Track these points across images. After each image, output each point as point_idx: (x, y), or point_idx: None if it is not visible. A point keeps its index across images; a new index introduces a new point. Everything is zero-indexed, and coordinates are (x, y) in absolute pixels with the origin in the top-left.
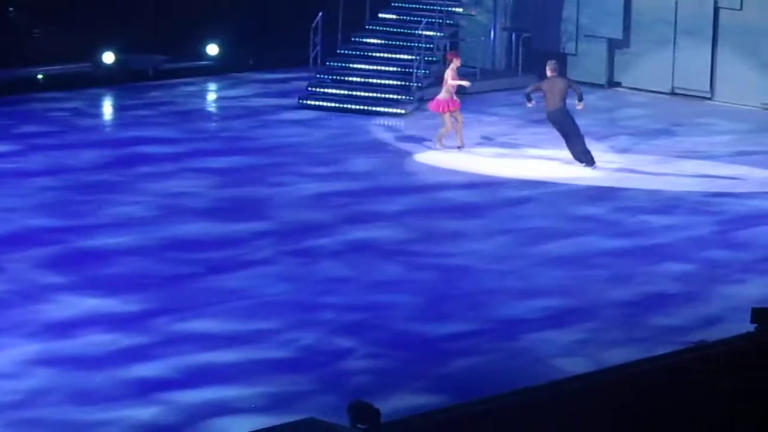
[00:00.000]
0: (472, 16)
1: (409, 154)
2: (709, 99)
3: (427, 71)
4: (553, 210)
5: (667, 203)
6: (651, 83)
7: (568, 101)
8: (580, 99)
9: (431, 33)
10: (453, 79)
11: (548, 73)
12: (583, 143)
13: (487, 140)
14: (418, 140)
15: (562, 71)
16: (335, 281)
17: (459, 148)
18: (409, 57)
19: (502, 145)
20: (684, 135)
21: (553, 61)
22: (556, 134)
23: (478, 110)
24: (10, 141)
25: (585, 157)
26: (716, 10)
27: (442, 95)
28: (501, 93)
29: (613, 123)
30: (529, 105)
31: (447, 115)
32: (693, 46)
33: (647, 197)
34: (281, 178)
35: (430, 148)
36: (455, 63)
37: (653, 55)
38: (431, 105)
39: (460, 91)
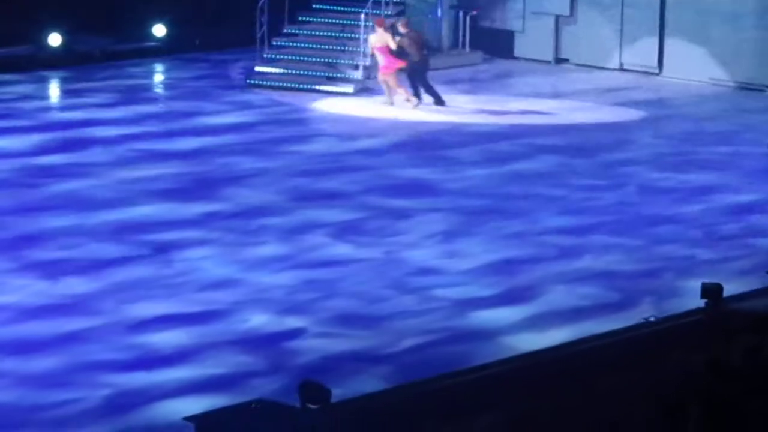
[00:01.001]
0: None
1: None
2: (658, 75)
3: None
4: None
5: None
6: (599, 60)
7: None
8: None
9: (377, 12)
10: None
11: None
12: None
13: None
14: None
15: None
16: (284, 260)
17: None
18: (356, 36)
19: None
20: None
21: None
22: None
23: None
24: None
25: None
26: None
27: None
28: (446, 71)
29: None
30: None
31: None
32: (641, 21)
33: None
34: (229, 158)
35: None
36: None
37: (600, 32)
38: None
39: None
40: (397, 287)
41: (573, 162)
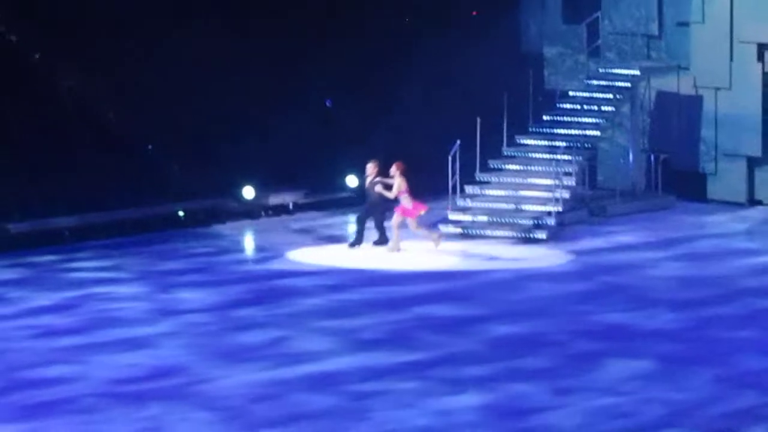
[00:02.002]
0: (610, 139)
1: None
2: None
3: (567, 195)
4: None
5: None
6: None
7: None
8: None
9: (569, 157)
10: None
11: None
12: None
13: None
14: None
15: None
16: (485, 409)
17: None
18: (549, 181)
19: None
20: None
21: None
22: None
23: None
24: (153, 279)
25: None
26: None
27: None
28: (641, 215)
29: None
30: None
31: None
32: None
33: None
34: (426, 308)
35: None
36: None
37: None
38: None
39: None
40: None
41: None
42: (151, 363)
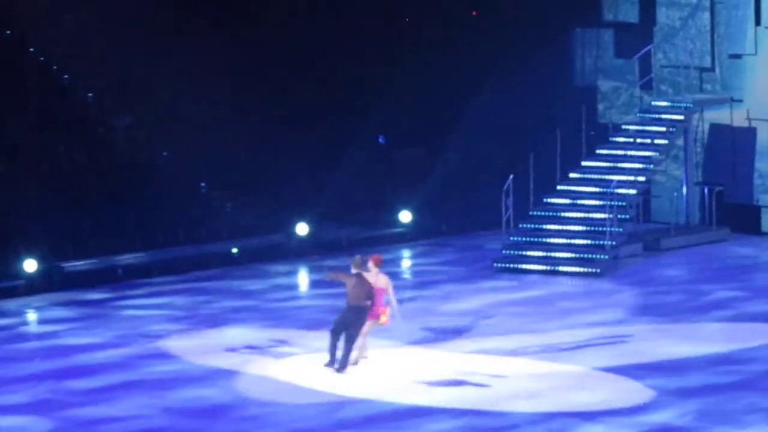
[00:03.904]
0: (664, 172)
1: None
2: None
3: (621, 229)
4: None
5: None
6: None
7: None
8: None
9: (624, 191)
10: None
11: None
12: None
13: None
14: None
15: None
16: None
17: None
18: (602, 216)
19: None
20: None
21: (359, 257)
22: None
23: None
24: (207, 317)
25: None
26: None
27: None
28: (696, 248)
29: None
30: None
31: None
32: None
33: None
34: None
35: None
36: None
37: None
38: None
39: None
40: None
41: None
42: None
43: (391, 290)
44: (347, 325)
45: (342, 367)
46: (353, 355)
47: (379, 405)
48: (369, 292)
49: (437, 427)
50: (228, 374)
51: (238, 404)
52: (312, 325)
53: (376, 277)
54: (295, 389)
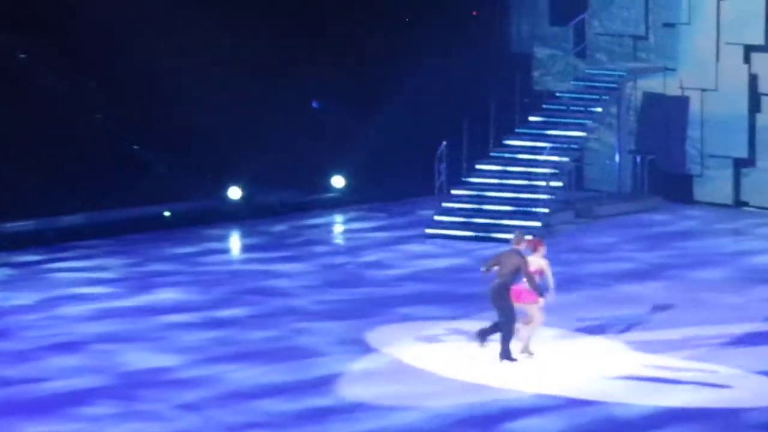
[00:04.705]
0: (597, 140)
1: None
2: None
3: (553, 196)
4: None
5: None
6: None
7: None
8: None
9: (556, 158)
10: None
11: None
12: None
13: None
14: None
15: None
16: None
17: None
18: (535, 183)
19: None
20: None
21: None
22: None
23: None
24: (138, 280)
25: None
26: None
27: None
28: (627, 216)
29: None
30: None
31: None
32: None
33: None
34: (409, 309)
35: None
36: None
37: None
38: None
39: None
40: None
41: None
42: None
43: (549, 273)
44: (495, 307)
45: (502, 356)
46: (524, 334)
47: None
48: (514, 272)
49: None
50: (160, 335)
51: (173, 367)
52: (245, 289)
53: (536, 260)
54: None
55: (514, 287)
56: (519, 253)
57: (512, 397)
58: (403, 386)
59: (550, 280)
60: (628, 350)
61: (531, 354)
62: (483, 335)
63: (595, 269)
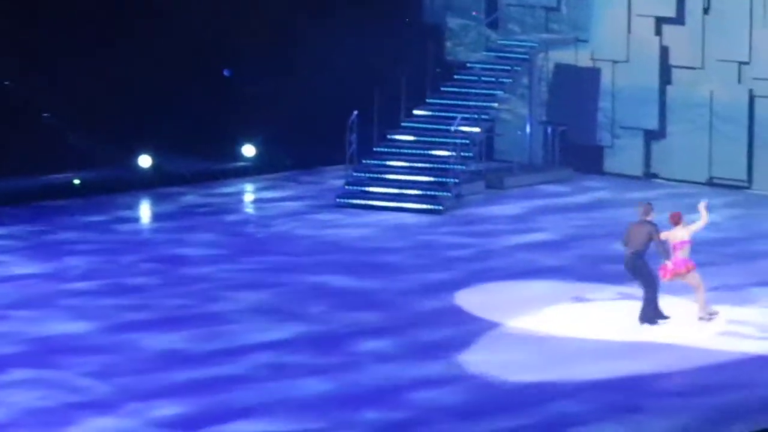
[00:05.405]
0: (509, 111)
1: None
2: (747, 188)
3: (464, 167)
4: None
5: None
6: (688, 173)
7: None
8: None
9: (467, 128)
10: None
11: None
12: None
13: None
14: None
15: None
16: (378, 380)
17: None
18: (446, 153)
19: None
20: None
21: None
22: None
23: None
24: (47, 247)
25: (652, 314)
26: (751, 98)
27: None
28: (538, 187)
29: None
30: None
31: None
32: (730, 134)
33: None
34: (320, 277)
35: None
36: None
37: (690, 145)
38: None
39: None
40: None
41: None
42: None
43: (695, 227)
44: (634, 277)
45: (642, 318)
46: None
47: None
48: (646, 242)
49: None
50: (70, 303)
51: (83, 334)
52: (155, 257)
53: (677, 231)
54: None
55: (667, 263)
56: (649, 223)
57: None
58: (312, 354)
59: (694, 227)
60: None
61: (714, 314)
62: (650, 317)
63: (508, 241)
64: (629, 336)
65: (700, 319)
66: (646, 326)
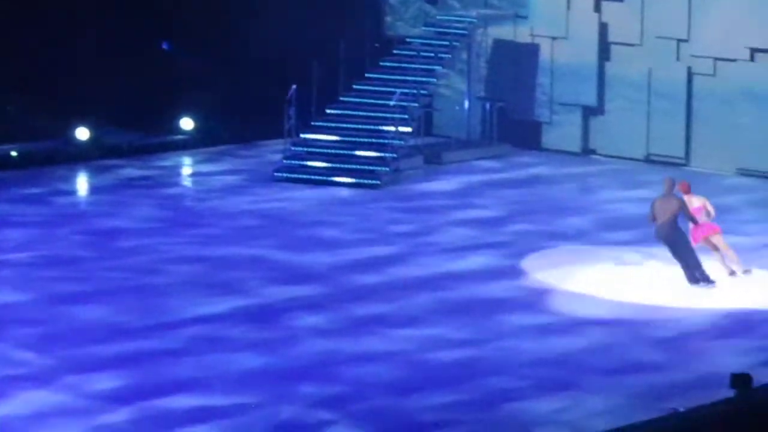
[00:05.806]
0: (448, 86)
1: None
2: (685, 165)
3: (402, 142)
4: None
5: None
6: (626, 150)
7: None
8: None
9: (406, 104)
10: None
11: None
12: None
13: None
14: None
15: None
16: (315, 355)
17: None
18: (385, 128)
19: None
20: None
21: (669, 179)
22: None
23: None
24: None
25: (700, 276)
26: (690, 75)
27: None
28: (476, 162)
29: None
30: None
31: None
32: (667, 111)
33: None
34: (258, 251)
35: None
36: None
37: (628, 122)
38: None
39: None
40: None
41: None
42: None
43: (708, 205)
44: (668, 245)
45: (691, 279)
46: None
47: None
48: (675, 214)
49: None
50: (4, 274)
51: (17, 304)
52: (92, 230)
53: (690, 200)
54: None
55: (693, 228)
56: (675, 196)
57: None
58: (249, 328)
59: (712, 211)
60: None
61: (749, 271)
62: (697, 279)
63: (447, 217)
64: (570, 313)
65: (737, 274)
66: (702, 286)
